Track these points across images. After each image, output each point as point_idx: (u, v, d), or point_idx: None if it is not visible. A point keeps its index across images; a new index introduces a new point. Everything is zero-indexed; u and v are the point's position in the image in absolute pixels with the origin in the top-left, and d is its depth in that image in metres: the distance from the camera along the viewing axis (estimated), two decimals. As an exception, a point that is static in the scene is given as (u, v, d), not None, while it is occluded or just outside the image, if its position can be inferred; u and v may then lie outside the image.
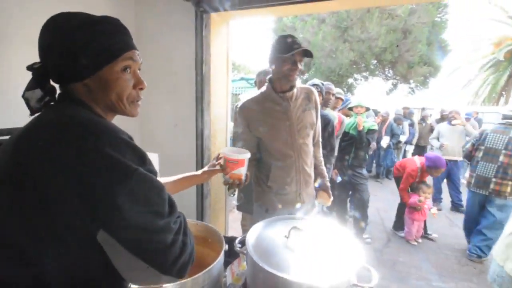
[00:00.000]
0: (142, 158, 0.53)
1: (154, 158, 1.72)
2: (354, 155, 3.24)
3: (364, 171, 3.36)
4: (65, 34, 0.56)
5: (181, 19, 2.10)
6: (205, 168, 1.13)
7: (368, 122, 3.25)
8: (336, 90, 3.20)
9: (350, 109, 3.31)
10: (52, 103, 0.60)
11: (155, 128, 2.35)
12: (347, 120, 3.26)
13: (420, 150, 7.02)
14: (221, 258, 0.85)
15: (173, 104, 2.25)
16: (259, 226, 0.98)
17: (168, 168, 2.28)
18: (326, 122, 2.45)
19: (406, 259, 2.93)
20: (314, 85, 2.39)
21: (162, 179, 0.96)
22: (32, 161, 0.48)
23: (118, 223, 0.47)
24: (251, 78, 8.86)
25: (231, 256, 1.04)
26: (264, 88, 1.61)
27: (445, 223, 4.02)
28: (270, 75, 1.64)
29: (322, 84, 2.55)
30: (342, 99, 3.50)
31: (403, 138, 6.15)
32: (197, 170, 2.20)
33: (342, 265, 0.79)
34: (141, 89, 0.66)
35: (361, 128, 3.10)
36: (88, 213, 0.47)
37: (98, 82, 0.58)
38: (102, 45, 0.57)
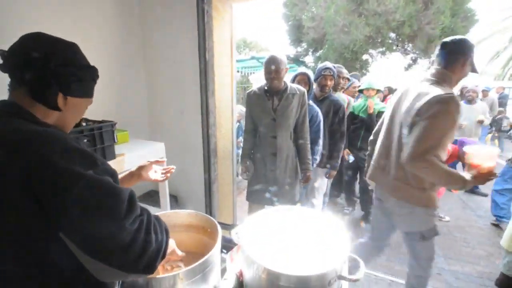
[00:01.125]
0: (92, 161, 0.56)
1: (160, 147, 1.79)
2: (363, 138, 3.17)
3: None
4: (88, 63, 0.73)
5: (183, 6, 2.07)
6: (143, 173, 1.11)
7: (379, 104, 3.17)
8: (345, 72, 3.12)
9: (360, 91, 3.23)
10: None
11: (162, 116, 2.42)
12: (355, 102, 3.19)
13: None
14: (217, 247, 0.91)
15: (179, 93, 2.29)
16: (255, 216, 1.03)
17: (176, 155, 2.37)
18: (337, 107, 2.43)
19: (413, 242, 2.96)
20: (326, 68, 2.36)
21: None
22: None
23: (70, 228, 0.51)
24: (262, 57, 8.67)
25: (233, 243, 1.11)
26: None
27: (458, 205, 3.97)
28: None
29: (334, 67, 2.48)
30: (348, 79, 3.37)
31: None
32: (204, 158, 2.29)
33: (330, 256, 0.84)
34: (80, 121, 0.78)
35: (371, 111, 3.04)
36: (42, 219, 0.52)
37: (75, 105, 0.70)
38: (94, 84, 0.76)
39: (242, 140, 2.20)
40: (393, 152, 1.50)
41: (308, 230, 0.95)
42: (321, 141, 2.24)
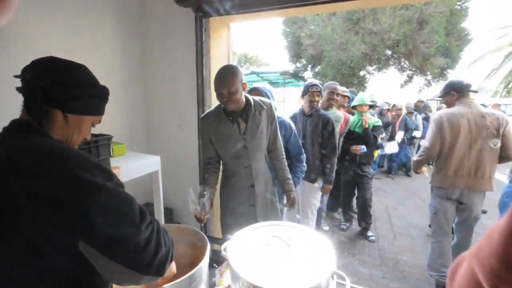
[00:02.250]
0: (109, 175, 0.61)
1: (155, 160, 1.81)
2: (362, 154, 3.21)
3: (370, 170, 3.36)
4: (91, 81, 0.77)
5: (182, 24, 2.16)
6: None
7: (372, 118, 3.24)
8: (341, 88, 3.16)
9: (354, 107, 3.29)
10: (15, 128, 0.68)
11: (159, 130, 2.46)
12: (352, 119, 3.24)
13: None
14: (205, 261, 0.92)
15: (176, 107, 2.34)
16: (243, 232, 1.04)
17: (173, 168, 2.40)
18: (325, 122, 2.44)
19: (410, 258, 2.93)
20: (313, 85, 2.41)
21: None
22: (9, 188, 0.55)
23: (93, 233, 0.55)
24: (263, 72, 8.86)
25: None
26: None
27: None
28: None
29: (321, 83, 2.54)
30: (348, 97, 3.47)
31: (417, 134, 5.95)
32: (199, 171, 2.30)
33: (315, 272, 0.84)
34: (86, 139, 0.82)
35: (367, 126, 3.09)
36: (65, 228, 0.55)
37: (77, 122, 0.74)
38: (102, 102, 0.81)
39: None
40: (472, 160, 2.08)
41: (295, 245, 0.96)
42: (303, 153, 2.04)
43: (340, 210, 3.94)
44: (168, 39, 2.27)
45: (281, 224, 1.11)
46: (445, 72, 10.10)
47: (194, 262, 1.05)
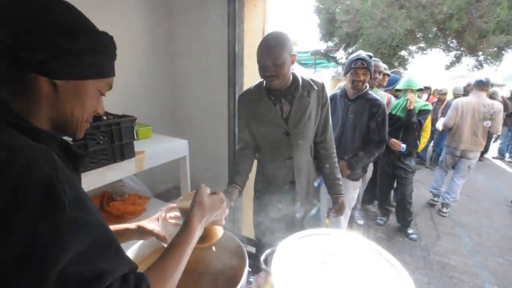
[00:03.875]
0: (57, 205, 0.39)
1: (183, 144, 1.66)
2: (403, 141, 2.77)
3: (412, 162, 2.92)
4: (81, 27, 0.50)
5: (213, -8, 1.92)
6: (143, 223, 0.80)
7: (420, 102, 2.79)
8: (383, 65, 2.69)
9: (398, 91, 2.87)
10: None
11: (187, 112, 2.31)
12: (395, 101, 2.83)
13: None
14: (244, 279, 0.74)
15: (206, 87, 2.16)
16: (287, 243, 0.84)
17: (200, 155, 2.24)
18: (375, 109, 1.92)
19: (459, 263, 2.62)
20: (358, 59, 1.85)
21: None
22: None
23: None
24: (299, 52, 8.29)
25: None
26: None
27: (509, 222, 3.50)
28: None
29: (370, 57, 1.93)
30: (388, 75, 2.99)
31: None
32: (229, 159, 2.13)
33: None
34: (98, 114, 0.59)
35: (412, 107, 2.62)
36: None
37: (73, 90, 0.50)
38: (109, 58, 0.55)
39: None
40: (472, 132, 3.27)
41: (354, 266, 0.75)
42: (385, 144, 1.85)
43: (376, 202, 3.64)
44: (197, 12, 2.05)
45: (333, 234, 0.90)
46: (503, 52, 8.87)
47: (229, 269, 0.89)
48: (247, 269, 0.78)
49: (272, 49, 1.13)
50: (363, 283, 0.69)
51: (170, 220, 0.84)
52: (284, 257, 0.78)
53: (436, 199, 3.85)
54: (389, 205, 3.29)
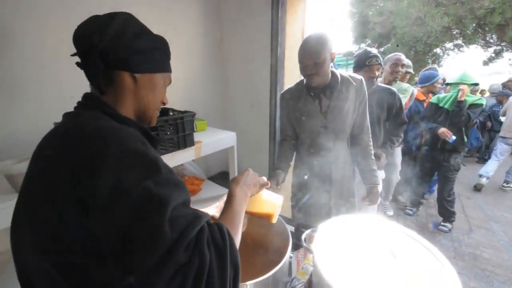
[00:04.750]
0: (154, 169, 0.42)
1: (232, 136, 1.69)
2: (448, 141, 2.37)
3: (458, 160, 2.45)
4: (146, 31, 0.56)
5: (259, 2, 1.88)
6: (204, 210, 0.80)
7: (473, 96, 2.33)
8: (406, 60, 2.27)
9: (449, 84, 2.45)
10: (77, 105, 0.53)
11: (235, 109, 2.34)
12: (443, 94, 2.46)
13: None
14: (287, 255, 0.74)
15: (252, 87, 2.16)
16: (327, 224, 0.81)
17: (245, 145, 2.28)
18: (391, 97, 1.77)
19: (492, 256, 2.30)
20: (372, 56, 1.68)
21: None
22: (44, 169, 0.43)
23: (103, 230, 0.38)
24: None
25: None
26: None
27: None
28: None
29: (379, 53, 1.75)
30: (411, 73, 2.58)
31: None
32: (269, 150, 2.13)
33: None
34: (164, 104, 0.63)
35: (463, 98, 2.23)
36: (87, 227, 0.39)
37: (148, 82, 0.56)
38: (166, 56, 0.60)
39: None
40: None
41: (387, 246, 0.70)
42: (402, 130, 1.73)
43: (405, 193, 3.35)
44: (245, 20, 2.04)
45: (372, 220, 0.84)
46: (551, 44, 7.34)
47: (270, 245, 0.89)
48: (290, 246, 0.77)
49: (313, 49, 1.08)
50: (400, 267, 0.64)
51: None
52: (324, 237, 0.75)
53: (483, 181, 3.67)
54: (421, 197, 2.99)
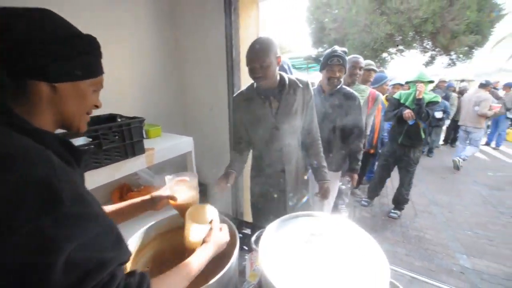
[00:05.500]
0: (54, 202, 0.35)
1: (189, 141, 1.63)
2: (407, 133, 2.54)
3: (416, 154, 2.62)
4: (70, 32, 0.48)
5: (212, 5, 1.86)
6: (157, 193, 0.84)
7: (430, 94, 2.51)
8: (366, 62, 2.44)
9: (408, 83, 2.65)
10: None
11: (193, 113, 2.27)
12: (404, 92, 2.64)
13: (455, 125, 6.05)
14: (234, 258, 0.72)
15: (208, 91, 2.11)
16: (275, 224, 0.82)
17: (206, 148, 2.23)
18: (351, 101, 1.77)
19: (433, 237, 2.59)
20: (334, 56, 1.66)
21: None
22: None
23: None
24: (289, 58, 8.20)
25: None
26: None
27: (478, 200, 3.45)
28: None
29: (345, 53, 1.72)
30: (375, 71, 2.73)
31: (438, 114, 5.05)
32: (230, 150, 2.10)
33: (364, 282, 0.61)
34: (97, 107, 0.56)
35: (421, 96, 2.38)
36: None
37: (72, 91, 0.48)
38: (95, 59, 0.53)
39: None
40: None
41: (335, 244, 0.72)
42: (364, 134, 1.74)
43: (361, 186, 3.61)
44: (199, 22, 1.99)
45: (317, 216, 0.87)
46: (472, 50, 8.63)
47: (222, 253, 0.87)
48: (238, 246, 0.76)
49: (259, 53, 1.10)
50: (340, 258, 0.67)
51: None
52: (271, 237, 0.76)
53: (459, 160, 4.53)
54: (379, 192, 3.16)
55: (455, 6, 7.34)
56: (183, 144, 1.61)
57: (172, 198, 0.82)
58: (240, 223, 1.27)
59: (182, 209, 0.82)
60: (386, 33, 7.95)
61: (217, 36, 1.88)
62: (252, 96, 1.27)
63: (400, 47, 9.59)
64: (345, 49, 1.74)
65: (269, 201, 1.38)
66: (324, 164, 1.40)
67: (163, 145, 1.49)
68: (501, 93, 6.57)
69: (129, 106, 1.87)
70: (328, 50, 1.74)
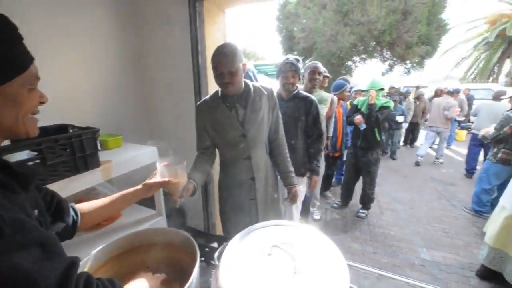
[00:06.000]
0: None
1: (152, 151, 1.53)
2: (364, 136, 2.71)
3: (374, 156, 2.77)
4: None
5: (176, 8, 1.80)
6: (149, 181, 0.91)
7: (382, 100, 2.69)
8: (322, 68, 2.42)
9: (363, 91, 2.85)
10: None
11: (158, 121, 2.16)
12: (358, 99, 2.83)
13: (413, 127, 6.59)
14: (194, 275, 0.67)
15: (174, 98, 2.03)
16: (238, 237, 0.78)
17: (173, 158, 2.12)
18: (309, 105, 1.80)
19: (397, 233, 2.74)
20: (286, 63, 1.76)
21: (88, 203, 0.79)
22: None
23: None
24: (259, 65, 8.34)
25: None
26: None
27: (434, 196, 3.75)
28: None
29: (298, 60, 1.79)
30: (328, 77, 2.87)
31: (400, 119, 5.43)
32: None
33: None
34: (43, 102, 0.48)
35: (372, 101, 2.55)
36: None
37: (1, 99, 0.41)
38: (12, 49, 0.41)
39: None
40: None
41: (300, 255, 0.71)
42: (324, 136, 1.76)
43: (332, 189, 3.72)
44: (164, 26, 1.91)
45: (282, 225, 0.85)
46: (424, 60, 9.58)
47: (185, 270, 0.81)
48: (198, 263, 0.71)
49: (226, 58, 1.07)
50: (303, 271, 0.65)
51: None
52: (233, 251, 0.72)
53: (419, 159, 5.16)
54: (351, 195, 3.25)
55: (408, 20, 8.10)
56: (147, 154, 1.51)
57: (167, 183, 0.91)
58: (207, 237, 1.21)
59: (175, 189, 0.93)
60: (350, 43, 8.48)
61: (183, 40, 1.82)
62: (217, 104, 1.23)
63: (363, 56, 10.30)
64: (298, 57, 1.81)
65: (240, 211, 1.32)
66: (291, 169, 1.39)
67: (123, 157, 1.37)
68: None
69: (87, 116, 1.72)
70: (283, 59, 1.81)
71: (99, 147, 1.18)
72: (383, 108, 2.66)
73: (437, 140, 5.32)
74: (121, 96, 1.95)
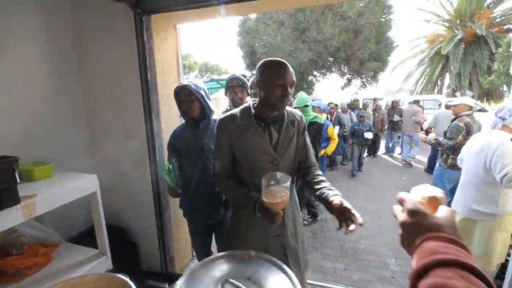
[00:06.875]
0: None
1: (92, 179, 1.39)
2: None
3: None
4: None
5: (121, 23, 1.75)
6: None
7: (312, 115, 2.84)
8: None
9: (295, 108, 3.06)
10: None
11: (104, 143, 1.99)
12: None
13: (374, 138, 7.20)
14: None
15: (121, 117, 1.91)
16: (195, 269, 0.73)
17: (122, 184, 1.97)
18: None
19: (367, 245, 2.87)
20: (233, 78, 1.86)
21: None
22: None
23: None
24: (222, 79, 8.52)
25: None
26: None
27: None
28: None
29: (245, 76, 1.92)
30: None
31: (369, 135, 5.80)
32: (152, 184, 1.91)
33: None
34: None
35: None
36: None
37: None
38: None
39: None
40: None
41: (247, 282, 0.68)
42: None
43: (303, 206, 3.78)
44: (107, 39, 1.83)
45: (236, 255, 0.82)
46: (377, 74, 10.81)
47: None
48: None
49: (286, 68, 1.03)
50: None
51: None
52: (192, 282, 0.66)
53: (408, 160, 6.21)
54: (315, 208, 3.39)
55: (359, 38, 9.14)
56: (84, 184, 1.36)
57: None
58: (161, 277, 1.11)
59: (277, 207, 0.94)
60: (309, 59, 9.17)
61: (129, 55, 1.76)
62: (250, 123, 1.12)
63: (323, 71, 11.20)
64: (245, 73, 1.92)
65: (263, 250, 1.12)
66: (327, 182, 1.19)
67: (53, 189, 1.22)
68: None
69: (8, 143, 1.51)
70: (229, 76, 1.92)
71: (18, 180, 1.02)
72: (312, 124, 2.79)
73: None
74: (53, 116, 1.77)
